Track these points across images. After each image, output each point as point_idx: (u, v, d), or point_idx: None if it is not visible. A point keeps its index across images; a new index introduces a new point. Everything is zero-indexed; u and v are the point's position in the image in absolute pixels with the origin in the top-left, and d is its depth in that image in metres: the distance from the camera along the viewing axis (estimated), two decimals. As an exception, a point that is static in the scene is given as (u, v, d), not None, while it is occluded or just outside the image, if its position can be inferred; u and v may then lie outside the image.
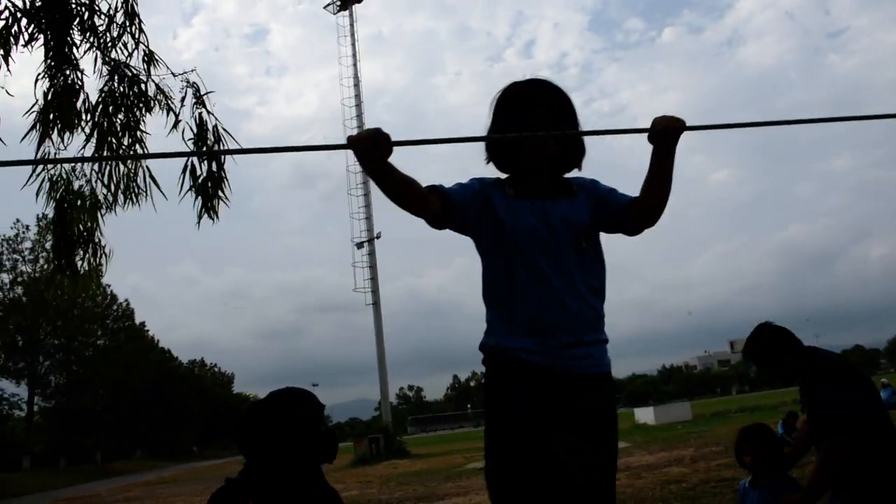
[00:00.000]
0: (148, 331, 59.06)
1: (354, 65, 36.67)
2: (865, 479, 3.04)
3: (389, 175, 1.97)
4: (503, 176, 2.25)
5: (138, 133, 4.22)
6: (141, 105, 4.38)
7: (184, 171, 3.77)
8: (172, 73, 4.19)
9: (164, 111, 4.13)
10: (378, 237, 34.54)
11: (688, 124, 2.08)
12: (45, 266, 43.71)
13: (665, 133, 2.06)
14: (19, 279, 42.86)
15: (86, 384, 49.44)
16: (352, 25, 37.37)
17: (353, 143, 1.91)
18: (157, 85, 4.49)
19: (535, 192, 2.17)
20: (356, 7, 37.90)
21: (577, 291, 2.11)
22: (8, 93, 4.09)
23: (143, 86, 4.49)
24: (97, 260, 4.42)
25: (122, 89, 4.47)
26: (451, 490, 11.17)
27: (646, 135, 2.08)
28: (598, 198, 2.21)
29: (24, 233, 41.88)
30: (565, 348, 2.06)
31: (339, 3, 38.03)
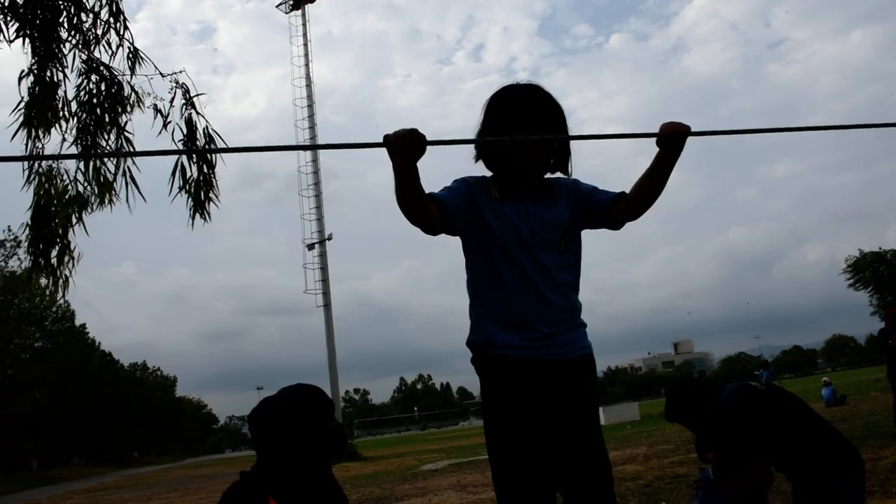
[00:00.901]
0: (88, 333, 57.45)
1: (306, 65, 36.46)
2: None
3: (415, 177, 2.05)
4: (488, 174, 2.35)
5: (123, 133, 4.20)
6: (119, 106, 4.36)
7: (174, 173, 3.79)
8: (161, 74, 4.20)
9: (153, 112, 4.14)
10: (329, 238, 34.38)
11: (673, 130, 2.20)
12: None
13: (672, 138, 2.20)
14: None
15: (23, 388, 47.72)
16: (304, 25, 37.14)
17: (391, 141, 1.95)
18: (132, 87, 4.48)
19: (519, 194, 2.28)
20: (308, 7, 37.68)
21: (556, 287, 2.24)
22: None
23: (120, 86, 4.48)
24: (66, 261, 4.35)
25: (99, 88, 4.44)
26: (409, 491, 11.23)
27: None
28: (580, 197, 2.34)
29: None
30: (547, 339, 2.20)
31: (291, 2, 37.73)
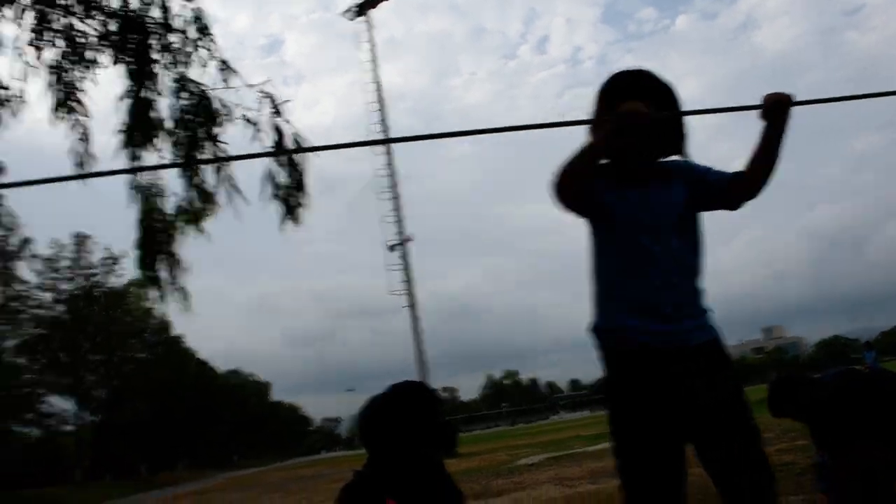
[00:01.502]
0: (185, 343, 59.82)
1: (374, 69, 36.89)
2: None
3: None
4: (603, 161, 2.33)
5: (218, 144, 4.37)
6: (211, 118, 4.52)
7: (265, 179, 3.90)
8: (248, 85, 4.33)
9: (243, 122, 4.27)
10: (411, 239, 34.74)
11: (776, 100, 2.17)
12: (85, 283, 44.68)
13: (775, 108, 2.16)
14: (60, 297, 43.77)
15: (127, 398, 50.28)
16: (369, 31, 37.61)
17: (624, 112, 2.12)
18: (220, 100, 4.64)
19: (636, 179, 2.26)
20: (371, 12, 38.13)
21: (681, 271, 2.21)
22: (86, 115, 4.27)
23: (209, 100, 4.64)
24: (174, 272, 4.54)
25: (191, 104, 4.62)
26: (506, 486, 11.20)
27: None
28: (695, 179, 2.30)
29: (60, 252, 42.93)
30: (674, 322, 2.15)
31: (355, 9, 38.28)
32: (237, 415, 69.74)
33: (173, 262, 4.42)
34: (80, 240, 42.83)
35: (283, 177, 3.95)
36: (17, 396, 35.27)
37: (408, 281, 34.32)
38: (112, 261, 45.86)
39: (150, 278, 4.23)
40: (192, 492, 28.24)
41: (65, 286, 44.16)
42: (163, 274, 4.34)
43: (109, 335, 46.97)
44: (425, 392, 2.42)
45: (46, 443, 51.94)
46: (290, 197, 3.94)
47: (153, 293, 4.34)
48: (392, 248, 34.48)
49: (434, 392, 2.45)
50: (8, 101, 4.26)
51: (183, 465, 61.94)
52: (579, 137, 2.28)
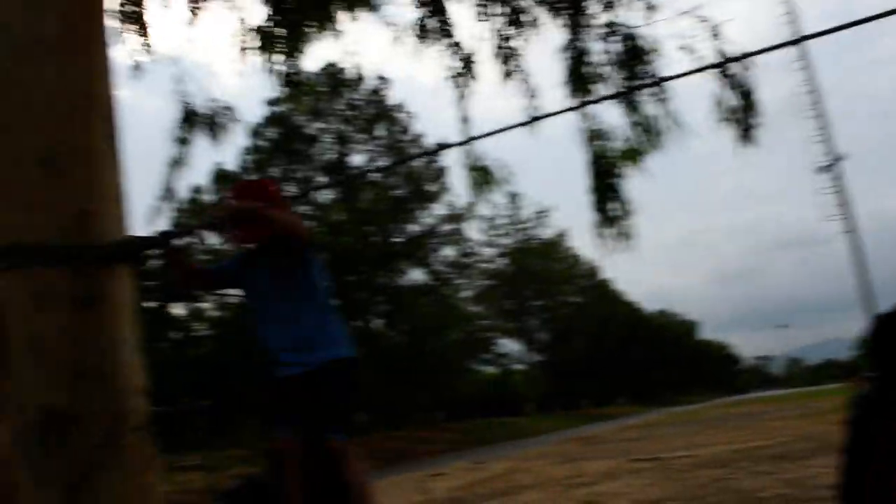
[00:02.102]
0: (613, 286, 62.20)
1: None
2: None
3: None
4: None
5: (654, 80, 4.48)
6: (645, 57, 4.62)
7: (714, 105, 3.86)
8: (681, 13, 4.31)
9: (681, 51, 4.29)
10: (843, 159, 30.75)
11: None
12: (521, 237, 49.37)
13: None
14: (501, 251, 49.13)
15: (565, 338, 54.45)
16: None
17: None
18: (650, 37, 4.67)
19: None
20: None
21: None
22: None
23: (641, 39, 4.73)
24: (624, 212, 4.71)
25: (624, 47, 4.77)
26: None
27: None
28: None
29: (498, 210, 48.05)
30: None
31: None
32: (667, 354, 70.42)
33: (622, 203, 4.62)
34: (514, 197, 47.21)
35: (731, 99, 3.85)
36: (475, 340, 40.65)
37: (843, 204, 30.51)
38: (542, 214, 49.84)
39: (606, 220, 4.51)
40: (633, 425, 29.47)
41: (504, 241, 49.40)
42: (615, 215, 4.58)
43: (546, 283, 51.26)
44: None
45: (501, 380, 59.10)
46: (742, 118, 3.83)
47: (600, 237, 4.60)
48: (821, 170, 30.95)
49: None
50: (466, 71, 4.87)
51: (623, 401, 64.92)
52: None
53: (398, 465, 17.77)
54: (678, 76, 2.28)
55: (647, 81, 4.49)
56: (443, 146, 3.98)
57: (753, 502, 4.57)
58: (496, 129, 2.26)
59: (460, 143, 3.32)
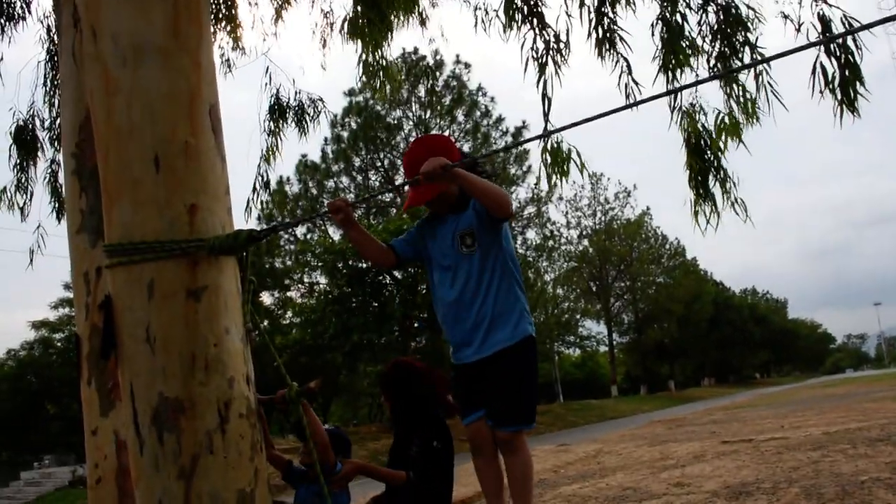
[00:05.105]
0: (699, 265, 60.54)
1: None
2: None
3: None
4: None
5: (756, 50, 4.30)
6: (744, 26, 4.43)
7: (813, 72, 3.67)
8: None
9: (782, 18, 4.10)
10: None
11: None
12: (603, 219, 48.60)
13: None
14: (584, 233, 48.53)
15: (652, 320, 53.41)
16: None
17: None
18: (749, 6, 4.47)
19: None
20: None
21: None
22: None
23: (738, 8, 4.54)
24: (726, 188, 4.52)
25: (720, 17, 4.59)
26: None
27: None
28: None
29: (580, 192, 47.39)
30: None
31: None
32: (756, 334, 68.17)
33: (723, 178, 4.46)
34: (596, 178, 46.46)
35: (832, 67, 3.64)
36: (559, 323, 40.42)
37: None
38: (626, 193, 48.86)
39: (704, 195, 4.36)
40: (720, 406, 28.70)
41: (587, 222, 48.73)
42: (715, 191, 4.42)
43: (630, 263, 50.33)
44: None
45: (586, 361, 58.60)
46: (844, 86, 3.62)
47: (700, 214, 4.44)
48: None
49: None
50: (555, 51, 4.78)
51: (709, 382, 63.36)
52: None
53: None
54: (781, 55, 2.16)
55: (750, 63, 4.29)
56: (546, 133, 3.90)
57: (853, 486, 4.36)
58: (594, 115, 2.20)
59: (561, 129, 3.25)
